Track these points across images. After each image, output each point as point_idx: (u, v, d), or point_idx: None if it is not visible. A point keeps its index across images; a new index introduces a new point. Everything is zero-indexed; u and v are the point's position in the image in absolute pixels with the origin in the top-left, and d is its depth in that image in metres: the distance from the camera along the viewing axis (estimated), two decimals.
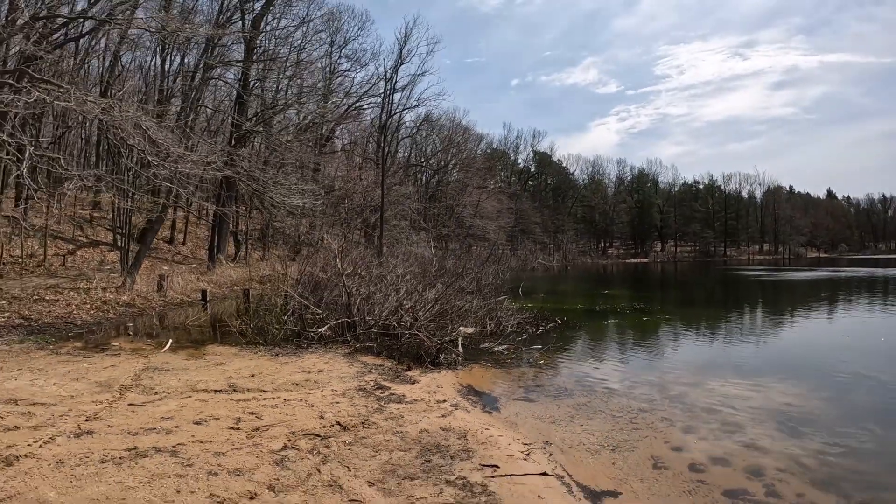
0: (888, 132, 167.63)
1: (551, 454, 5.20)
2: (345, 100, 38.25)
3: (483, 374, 8.70)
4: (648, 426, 6.29)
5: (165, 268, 20.12)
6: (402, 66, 45.21)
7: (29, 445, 4.64)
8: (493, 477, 4.38)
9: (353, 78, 40.67)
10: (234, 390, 6.67)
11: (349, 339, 10.43)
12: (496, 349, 10.60)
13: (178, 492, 3.90)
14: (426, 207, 46.40)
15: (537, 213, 78.00)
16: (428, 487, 4.14)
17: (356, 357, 9.14)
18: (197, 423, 5.41)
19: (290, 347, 9.71)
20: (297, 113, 30.82)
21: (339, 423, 5.61)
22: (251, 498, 3.87)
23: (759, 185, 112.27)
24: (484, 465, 4.62)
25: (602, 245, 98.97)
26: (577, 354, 10.96)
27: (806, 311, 19.33)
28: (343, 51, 37.82)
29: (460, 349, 9.64)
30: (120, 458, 4.44)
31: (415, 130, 52.23)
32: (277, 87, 29.66)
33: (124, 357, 8.53)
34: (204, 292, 16.34)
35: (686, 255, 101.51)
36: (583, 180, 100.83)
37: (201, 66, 22.69)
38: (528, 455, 5.00)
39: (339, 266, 12.09)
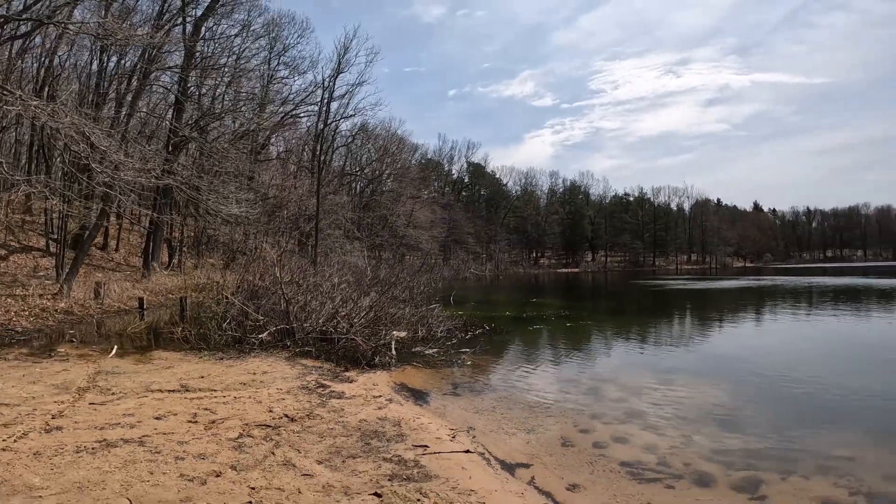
0: (815, 149, 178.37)
1: (474, 437, 6.08)
2: (282, 107, 38.24)
3: (415, 374, 9.52)
4: (561, 414, 7.28)
5: (100, 275, 19.86)
6: (341, 75, 45.54)
7: (3, 441, 5.09)
8: (423, 454, 5.20)
9: (291, 86, 40.69)
10: (187, 390, 7.21)
11: (289, 343, 11.02)
12: (427, 352, 11.42)
13: (152, 473, 4.50)
14: (360, 217, 46.75)
15: (470, 224, 79.45)
16: (368, 463, 4.91)
17: (297, 360, 9.78)
18: (157, 418, 5.96)
19: (233, 352, 10.21)
20: (234, 121, 30.73)
21: (286, 416, 6.29)
22: (217, 475, 4.52)
23: (688, 198, 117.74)
24: (415, 446, 5.44)
25: (534, 255, 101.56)
26: (502, 357, 11.95)
27: (710, 317, 21.24)
28: (282, 58, 37.76)
29: (394, 352, 10.42)
30: (93, 448, 4.98)
31: (350, 139, 52.54)
32: (215, 93, 29.48)
33: (73, 362, 8.84)
34: (141, 300, 16.39)
35: (616, 265, 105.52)
36: (516, 192, 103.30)
37: (139, 68, 22.36)
38: (453, 437, 5.86)
39: (279, 275, 12.63)
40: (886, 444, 6.02)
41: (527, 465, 5.36)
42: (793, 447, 5.94)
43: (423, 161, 79.73)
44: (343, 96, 45.78)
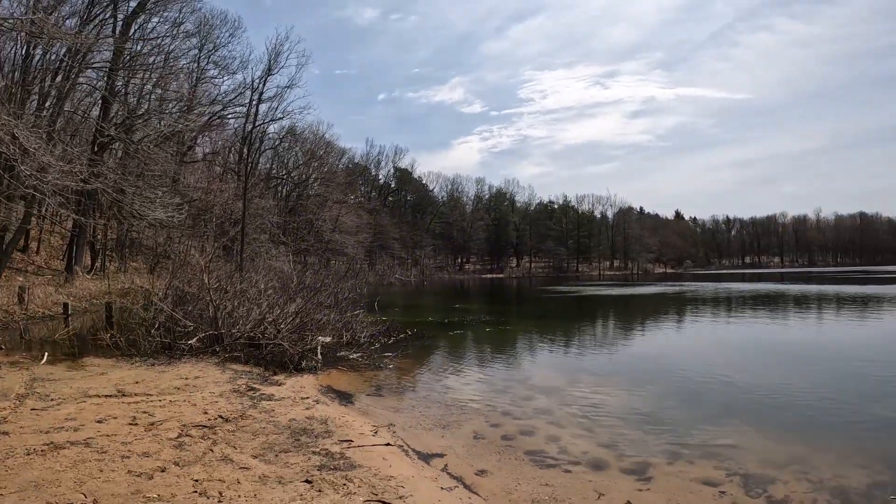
0: (734, 160, 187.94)
1: (394, 432, 6.80)
2: (209, 108, 37.44)
3: (340, 377, 10.17)
4: (475, 411, 8.11)
5: (21, 279, 19.15)
6: (271, 77, 44.97)
7: None
8: (348, 448, 5.89)
9: (220, 86, 39.79)
10: (124, 395, 7.56)
11: (217, 349, 11.37)
12: (352, 356, 12.05)
13: (101, 471, 4.95)
14: (286, 221, 46.38)
15: (396, 229, 79.92)
16: (299, 457, 5.56)
17: (226, 365, 10.19)
18: (99, 421, 6.35)
19: (164, 358, 10.47)
20: (160, 121, 30.00)
21: (221, 417, 6.82)
22: (162, 471, 5.03)
23: (611, 206, 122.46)
24: (341, 441, 6.13)
25: (459, 260, 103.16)
26: (423, 361, 12.75)
27: (625, 322, 22.94)
28: (212, 57, 36.95)
29: (319, 357, 11.00)
30: (41, 451, 5.34)
31: (278, 142, 51.89)
32: (142, 91, 28.67)
33: (6, 369, 8.92)
34: (66, 305, 16.02)
35: (540, 270, 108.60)
36: (442, 197, 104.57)
37: (66, 65, 21.58)
38: (376, 433, 6.57)
39: (207, 281, 12.90)
40: (769, 433, 7.00)
41: (441, 455, 6.14)
42: (683, 437, 6.89)
43: (351, 165, 79.58)
44: (272, 98, 45.29)
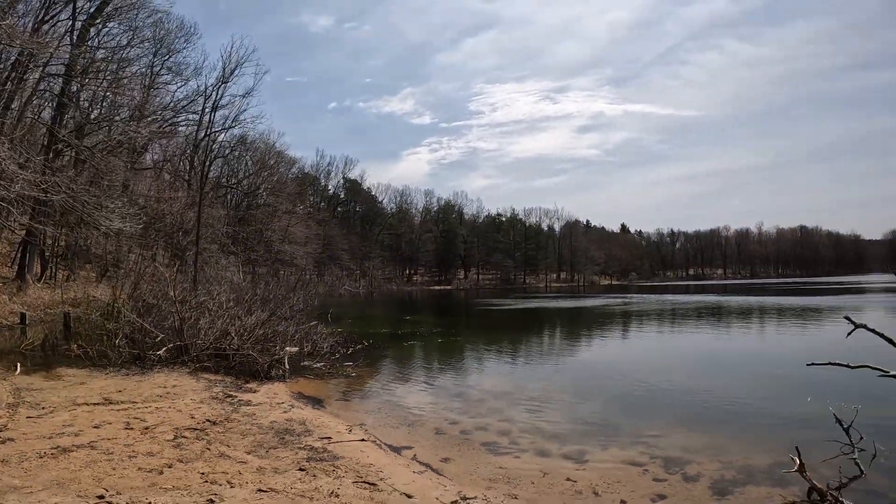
0: (680, 176, 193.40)
1: (366, 430, 7.60)
2: (162, 114, 36.85)
3: (308, 385, 10.86)
4: (434, 412, 9.00)
5: None
6: (224, 85, 44.47)
7: None
8: (329, 444, 6.66)
9: (175, 92, 39.15)
10: (111, 402, 8.05)
11: (186, 359, 11.82)
12: (315, 366, 12.71)
13: (114, 469, 5.54)
14: (236, 231, 45.98)
15: (345, 240, 79.95)
16: (287, 451, 6.30)
17: (199, 375, 10.71)
18: (96, 427, 6.88)
19: (135, 368, 10.85)
20: (110, 128, 29.48)
21: (208, 420, 7.45)
22: (169, 467, 5.66)
23: (559, 219, 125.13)
24: (321, 438, 6.89)
25: (407, 272, 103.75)
26: (382, 369, 13.58)
27: (570, 332, 24.31)
28: (166, 63, 36.38)
29: (287, 366, 11.65)
30: (52, 454, 5.85)
31: (228, 151, 51.20)
32: (94, 96, 28.16)
33: None
34: (23, 315, 15.98)
35: (488, 282, 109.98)
36: (391, 209, 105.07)
37: (18, 71, 21.20)
38: (350, 431, 7.36)
39: (174, 293, 13.28)
40: (691, 427, 8.02)
41: (409, 447, 6.99)
42: (617, 430, 7.90)
43: (300, 175, 79.14)
44: (225, 106, 44.77)
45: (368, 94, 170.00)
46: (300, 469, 5.58)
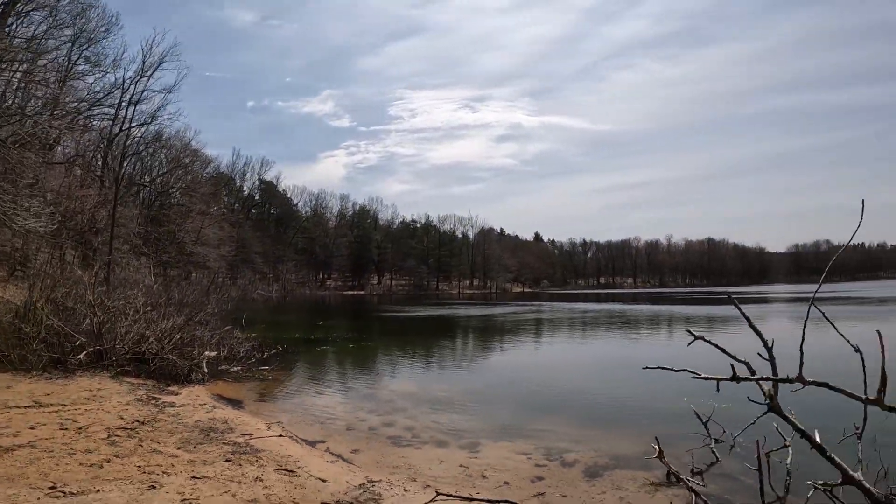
0: (594, 188, 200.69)
1: (283, 427, 8.42)
2: (77, 106, 34.99)
3: (227, 387, 11.48)
4: (344, 411, 9.91)
5: None
6: (143, 79, 42.85)
7: None
8: (251, 439, 7.48)
9: (93, 84, 37.12)
10: (41, 405, 8.40)
11: (106, 364, 12.07)
12: (232, 370, 13.27)
13: (57, 465, 6.06)
14: (148, 231, 44.42)
15: (259, 243, 78.53)
16: (213, 446, 7.07)
17: (121, 379, 11.03)
18: (31, 428, 7.30)
19: (57, 372, 10.96)
20: (21, 120, 27.86)
21: (137, 420, 8.04)
22: (108, 461, 6.27)
23: (472, 226, 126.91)
24: (243, 434, 7.68)
25: (321, 276, 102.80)
26: (297, 372, 14.30)
27: (476, 339, 25.79)
28: (84, 52, 34.56)
29: (206, 370, 12.20)
30: None
31: (143, 147, 49.22)
32: (8, 84, 26.57)
33: None
34: None
35: (401, 288, 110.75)
36: (306, 212, 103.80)
37: None
38: (269, 428, 8.18)
39: (92, 297, 13.39)
40: (574, 423, 9.15)
41: (323, 441, 7.89)
42: (509, 426, 8.97)
43: (215, 175, 76.84)
44: (142, 101, 43.11)
45: (288, 94, 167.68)
46: (226, 460, 6.41)
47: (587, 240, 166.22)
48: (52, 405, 8.54)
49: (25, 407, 8.30)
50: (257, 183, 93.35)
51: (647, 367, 6.89)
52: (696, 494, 5.29)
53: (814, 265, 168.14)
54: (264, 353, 15.76)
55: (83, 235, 31.71)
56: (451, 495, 5.45)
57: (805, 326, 4.15)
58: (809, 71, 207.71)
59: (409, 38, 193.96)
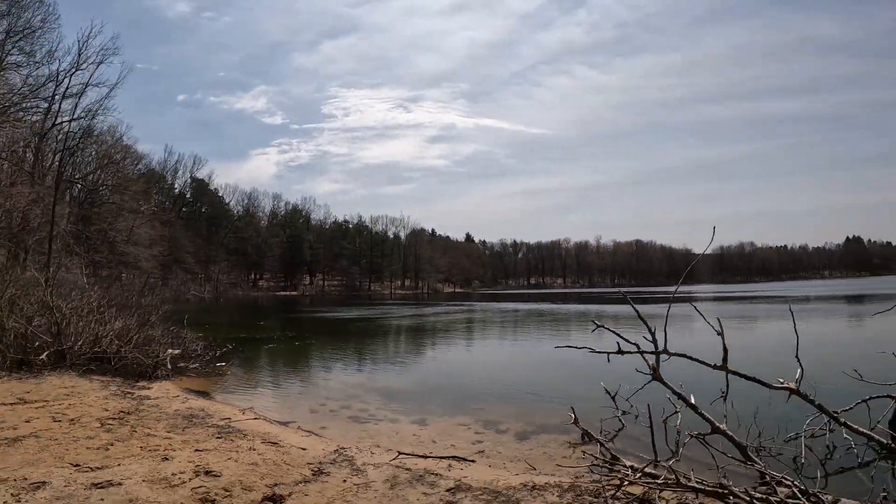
0: (524, 190, 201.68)
1: (256, 412, 9.37)
2: (9, 98, 33.13)
3: (192, 382, 12.18)
4: (305, 398, 10.96)
5: None
6: (77, 72, 40.52)
7: None
8: (230, 423, 8.40)
9: (27, 76, 35.11)
10: (26, 402, 8.90)
11: (69, 364, 12.42)
12: (191, 367, 13.94)
13: (67, 450, 6.71)
14: (79, 230, 42.68)
15: (191, 243, 76.42)
16: (200, 429, 7.97)
17: (89, 376, 11.48)
18: (27, 421, 7.89)
19: (24, 373, 11.27)
20: None
21: (122, 411, 8.77)
22: (111, 445, 6.99)
23: (404, 227, 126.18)
24: (222, 419, 8.59)
25: (253, 277, 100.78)
26: (251, 368, 15.09)
27: (407, 337, 27.07)
28: (18, 42, 32.75)
29: (169, 366, 12.85)
30: (4, 444, 6.84)
31: (74, 143, 46.87)
32: None
33: None
34: None
35: (333, 288, 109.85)
36: (238, 211, 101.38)
37: None
38: (244, 413, 9.10)
39: (50, 298, 13.60)
40: (507, 404, 10.38)
41: (294, 422, 8.89)
42: (451, 406, 10.21)
43: (146, 171, 74.01)
44: (76, 95, 41.05)
45: (220, 89, 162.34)
46: (217, 438, 7.37)
47: (518, 241, 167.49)
48: (36, 401, 9.07)
49: (11, 404, 8.79)
50: (189, 181, 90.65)
51: (558, 347, 8.29)
52: (603, 446, 6.71)
53: (738, 266, 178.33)
54: (217, 352, 16.41)
55: (16, 234, 30.45)
56: (409, 454, 6.70)
57: (667, 316, 5.71)
58: (735, 83, 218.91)
59: (345, 36, 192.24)
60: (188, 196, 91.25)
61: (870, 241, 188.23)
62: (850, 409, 6.75)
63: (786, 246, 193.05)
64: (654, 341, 6.14)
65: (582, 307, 48.55)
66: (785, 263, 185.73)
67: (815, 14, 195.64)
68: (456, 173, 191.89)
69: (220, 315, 38.91)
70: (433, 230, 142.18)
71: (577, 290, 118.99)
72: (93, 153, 50.61)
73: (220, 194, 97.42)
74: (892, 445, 5.81)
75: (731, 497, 4.58)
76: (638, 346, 6.19)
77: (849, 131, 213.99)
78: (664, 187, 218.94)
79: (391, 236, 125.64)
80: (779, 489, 4.67)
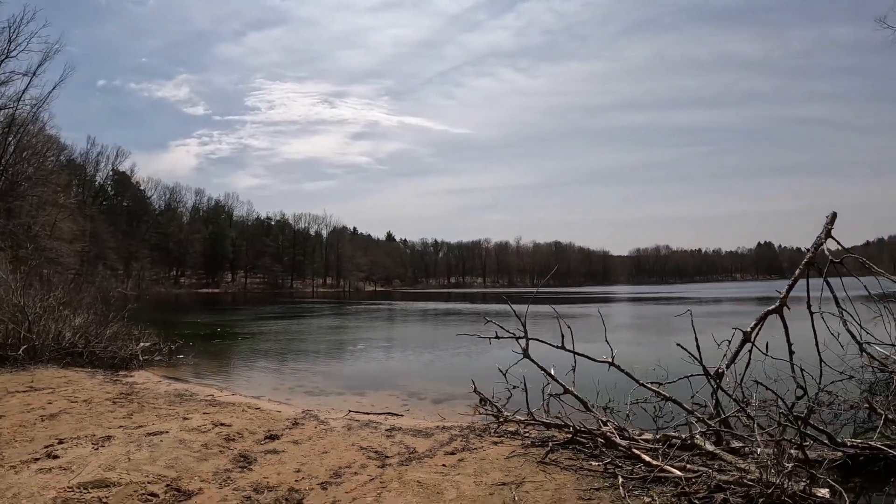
0: (446, 189, 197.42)
1: (232, 390, 11.52)
2: None
3: (164, 371, 13.81)
4: (265, 380, 12.94)
5: None
6: (7, 60, 39.04)
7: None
8: (215, 398, 10.54)
9: None
10: (36, 389, 10.31)
11: (46, 358, 13.62)
12: (156, 359, 15.62)
13: (101, 421, 8.53)
14: (3, 224, 41.08)
15: (112, 238, 73.73)
16: (193, 403, 9.95)
17: (73, 368, 12.91)
18: (49, 403, 9.36)
19: (8, 367, 12.25)
20: None
21: (122, 393, 10.62)
22: (132, 415, 9.00)
23: (326, 225, 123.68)
24: (207, 396, 10.66)
25: (175, 274, 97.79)
26: (211, 358, 16.71)
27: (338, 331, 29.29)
28: None
29: (141, 358, 14.58)
30: (45, 418, 8.03)
31: None
32: None
33: None
34: None
35: (256, 286, 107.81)
36: (160, 206, 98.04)
37: None
38: (221, 391, 11.14)
39: (21, 298, 14.73)
40: (425, 380, 12.95)
41: (263, 396, 11.00)
42: (383, 384, 12.45)
43: (66, 162, 70.31)
44: (3, 84, 39.44)
45: (141, 76, 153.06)
46: (212, 407, 9.60)
47: (439, 240, 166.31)
48: (44, 389, 10.53)
49: (24, 392, 10.18)
50: (111, 173, 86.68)
51: (459, 334, 11.07)
52: (493, 404, 9.37)
53: (653, 268, 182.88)
54: (172, 346, 17.94)
55: None
56: (357, 412, 9.30)
57: (526, 315, 8.63)
58: (656, 92, 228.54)
59: (272, 27, 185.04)
60: (110, 190, 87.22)
61: (780, 246, 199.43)
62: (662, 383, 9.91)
63: (700, 249, 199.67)
64: (525, 331, 9.07)
65: (498, 307, 52.15)
66: (699, 266, 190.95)
67: (734, 32, 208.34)
68: (377, 171, 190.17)
69: (151, 313, 39.01)
70: (355, 228, 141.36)
71: (495, 290, 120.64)
72: (12, 142, 48.16)
73: (142, 188, 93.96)
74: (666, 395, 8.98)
75: (568, 428, 7.37)
76: (514, 334, 9.09)
77: (759, 143, 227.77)
78: (584, 190, 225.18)
79: (313, 234, 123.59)
80: (604, 428, 7.42)
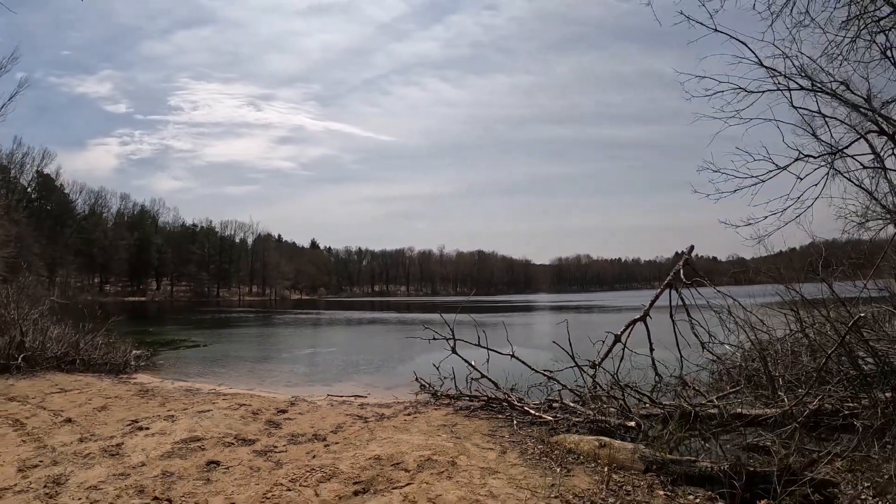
0: (371, 196, 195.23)
1: (229, 384, 14.08)
2: None
3: (158, 373, 16.14)
4: (248, 377, 15.61)
5: None
6: None
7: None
8: (218, 391, 13.13)
9: None
10: (65, 391, 12.53)
11: (44, 367, 14.70)
12: (141, 364, 17.65)
13: (145, 408, 11.26)
14: None
15: (37, 244, 70.34)
16: (203, 396, 12.48)
17: (75, 374, 14.28)
18: (88, 400, 11.90)
19: (20, 374, 13.39)
20: None
21: (140, 391, 13.04)
22: (163, 404, 11.67)
23: (252, 232, 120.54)
24: (210, 390, 13.28)
25: (99, 281, 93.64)
26: (183, 364, 18.75)
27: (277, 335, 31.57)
28: None
29: (133, 363, 16.67)
30: (99, 409, 11.18)
31: None
32: None
33: None
34: None
35: (182, 294, 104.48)
36: (84, 211, 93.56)
37: None
38: (219, 386, 13.73)
39: (16, 311, 16.25)
40: (376, 376, 16.08)
41: (255, 388, 13.68)
42: (343, 378, 15.42)
43: None
44: None
45: (63, 70, 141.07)
46: (222, 396, 12.34)
47: (363, 248, 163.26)
48: (71, 390, 11.96)
49: (56, 393, 11.80)
50: (35, 176, 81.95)
51: (409, 337, 14.34)
52: (432, 387, 12.69)
53: (574, 276, 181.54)
54: (149, 351, 19.64)
55: None
56: (333, 395, 12.38)
57: (454, 321, 12.10)
58: (581, 107, 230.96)
59: (200, 27, 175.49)
60: (33, 193, 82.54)
61: (697, 255, 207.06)
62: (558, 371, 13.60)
63: (620, 258, 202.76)
64: (452, 331, 12.51)
65: (423, 315, 55.29)
66: (619, 274, 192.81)
67: (656, 51, 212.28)
68: (301, 176, 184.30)
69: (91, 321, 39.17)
70: (279, 235, 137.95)
71: (420, 299, 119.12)
72: None
73: (67, 191, 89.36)
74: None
75: (485, 398, 10.83)
76: (446, 336, 12.50)
77: (673, 159, 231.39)
78: (507, 200, 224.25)
79: (238, 241, 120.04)
80: (507, 396, 10.91)
